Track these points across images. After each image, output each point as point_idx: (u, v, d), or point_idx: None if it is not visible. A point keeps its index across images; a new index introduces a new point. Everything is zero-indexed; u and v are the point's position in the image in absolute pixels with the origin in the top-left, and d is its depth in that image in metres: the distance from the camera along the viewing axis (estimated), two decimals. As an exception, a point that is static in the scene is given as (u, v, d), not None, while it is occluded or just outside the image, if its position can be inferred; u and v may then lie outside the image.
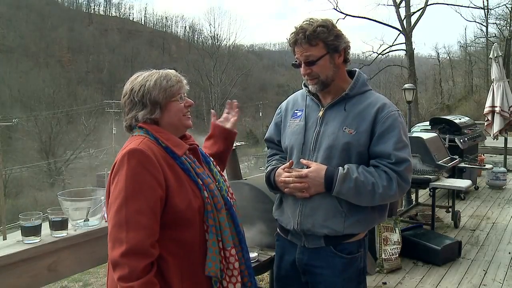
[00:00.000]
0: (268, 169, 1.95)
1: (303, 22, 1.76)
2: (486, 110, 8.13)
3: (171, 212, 1.44)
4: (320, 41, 1.73)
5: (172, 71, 1.60)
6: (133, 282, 1.33)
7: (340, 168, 1.73)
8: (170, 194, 1.44)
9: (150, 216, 1.40)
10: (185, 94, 1.61)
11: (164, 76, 1.55)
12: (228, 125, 1.92)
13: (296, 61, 1.80)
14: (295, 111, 1.93)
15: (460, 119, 8.13)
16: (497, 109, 7.90)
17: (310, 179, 1.75)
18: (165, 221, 1.44)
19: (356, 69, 1.90)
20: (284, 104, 2.03)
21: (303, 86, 1.92)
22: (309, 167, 1.77)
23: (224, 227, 1.53)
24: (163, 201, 1.44)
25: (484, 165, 6.84)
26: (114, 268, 1.37)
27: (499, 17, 29.67)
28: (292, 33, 1.77)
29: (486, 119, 8.21)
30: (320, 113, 1.83)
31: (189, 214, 1.47)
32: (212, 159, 1.72)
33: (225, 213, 1.55)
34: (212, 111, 2.04)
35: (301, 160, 1.81)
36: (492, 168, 7.20)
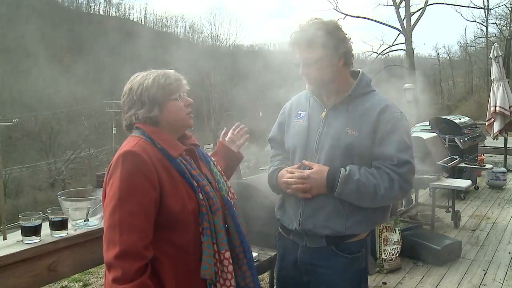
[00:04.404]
0: (271, 169, 1.95)
1: (306, 22, 1.76)
2: (493, 109, 7.97)
3: (165, 214, 1.44)
4: (319, 44, 1.72)
5: (171, 71, 1.60)
6: (127, 284, 1.34)
7: (342, 169, 1.72)
8: (164, 196, 1.44)
9: (143, 218, 1.40)
10: (185, 94, 1.60)
11: (163, 75, 1.56)
12: (233, 147, 1.95)
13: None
14: (299, 112, 1.92)
15: (460, 119, 8.13)
16: (498, 108, 7.89)
17: (312, 180, 1.75)
18: (159, 223, 1.44)
19: (360, 70, 1.89)
20: (288, 104, 2.02)
21: (306, 87, 1.92)
22: (312, 168, 1.76)
23: (219, 230, 1.53)
24: (157, 203, 1.43)
25: (484, 165, 6.85)
26: (108, 269, 1.39)
27: (499, 17, 29.82)
28: (293, 33, 1.77)
29: (490, 118, 8.10)
30: (323, 114, 1.83)
31: (183, 216, 1.46)
32: (213, 159, 1.71)
33: (220, 216, 1.55)
34: (225, 129, 2.03)
35: (303, 161, 1.81)
36: (492, 168, 7.20)
